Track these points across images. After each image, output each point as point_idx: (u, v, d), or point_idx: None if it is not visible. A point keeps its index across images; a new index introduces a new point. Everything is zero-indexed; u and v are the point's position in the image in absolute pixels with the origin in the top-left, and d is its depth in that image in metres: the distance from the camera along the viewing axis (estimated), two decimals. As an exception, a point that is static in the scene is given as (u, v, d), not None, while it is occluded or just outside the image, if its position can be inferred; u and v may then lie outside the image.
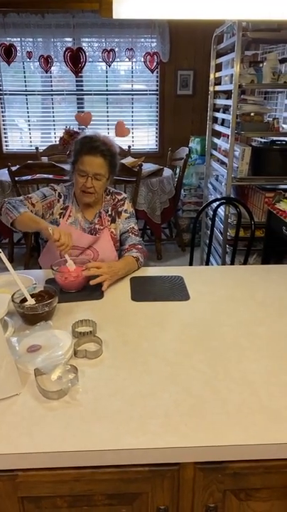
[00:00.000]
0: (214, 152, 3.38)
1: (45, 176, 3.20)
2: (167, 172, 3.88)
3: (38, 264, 1.96)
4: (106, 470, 0.86)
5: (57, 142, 4.36)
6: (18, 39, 4.55)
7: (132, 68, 4.86)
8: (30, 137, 5.09)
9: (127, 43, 4.60)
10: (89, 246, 1.77)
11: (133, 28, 4.54)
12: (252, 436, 0.86)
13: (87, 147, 1.68)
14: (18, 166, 3.32)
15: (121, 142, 4.60)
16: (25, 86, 4.86)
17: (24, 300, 1.31)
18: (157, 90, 4.91)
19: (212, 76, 3.32)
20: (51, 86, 4.89)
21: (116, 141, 1.83)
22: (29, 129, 5.08)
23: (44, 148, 4.36)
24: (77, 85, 4.87)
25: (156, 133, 5.08)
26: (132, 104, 4.98)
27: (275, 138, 2.97)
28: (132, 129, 5.01)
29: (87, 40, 4.63)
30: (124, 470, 0.87)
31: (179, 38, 4.63)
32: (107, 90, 4.91)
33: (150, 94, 4.93)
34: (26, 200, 1.70)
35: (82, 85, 4.89)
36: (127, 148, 4.48)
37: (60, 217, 1.78)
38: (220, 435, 0.87)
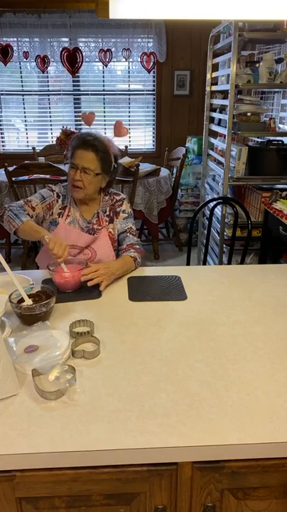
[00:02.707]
0: (211, 152, 3.39)
1: (42, 176, 3.20)
2: (164, 172, 3.88)
3: (35, 264, 1.96)
4: (104, 470, 0.87)
5: (54, 142, 4.36)
6: (15, 39, 4.54)
7: (129, 68, 4.86)
8: (27, 137, 5.09)
9: (124, 43, 4.60)
10: (87, 245, 1.77)
11: (129, 28, 4.54)
12: (249, 435, 0.87)
13: (81, 141, 1.71)
14: (14, 166, 3.31)
15: (119, 142, 4.61)
16: (22, 86, 4.86)
17: (21, 300, 1.31)
18: (154, 90, 4.91)
19: (208, 76, 3.33)
20: (48, 86, 4.89)
21: (114, 142, 1.83)
22: (26, 129, 5.07)
23: (41, 148, 4.36)
24: (73, 85, 4.87)
25: (153, 133, 5.08)
26: (129, 104, 4.99)
27: (271, 138, 2.97)
28: (129, 129, 5.01)
29: (83, 40, 4.63)
30: (122, 470, 0.87)
31: (176, 38, 4.64)
32: (104, 90, 4.91)
33: (147, 94, 4.94)
34: (26, 205, 1.71)
35: (78, 85, 4.89)
36: (124, 148, 4.48)
37: (59, 217, 1.78)
38: (218, 434, 0.87)
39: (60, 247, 1.50)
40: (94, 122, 4.90)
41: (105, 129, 4.95)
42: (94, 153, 1.70)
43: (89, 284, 1.49)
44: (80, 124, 4.88)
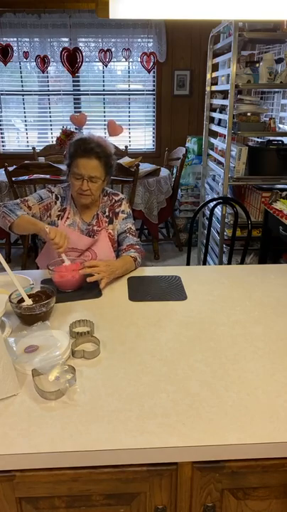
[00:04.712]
0: (211, 152, 3.39)
1: (42, 176, 3.20)
2: (164, 172, 3.88)
3: (35, 264, 1.96)
4: (104, 470, 0.87)
5: (54, 142, 4.36)
6: (15, 39, 4.54)
7: (129, 68, 4.86)
8: (27, 137, 5.09)
9: (124, 43, 4.60)
10: (88, 248, 1.77)
11: (129, 28, 4.54)
12: (249, 435, 0.87)
13: (81, 149, 1.67)
14: (14, 166, 3.31)
15: (118, 142, 4.61)
16: (22, 86, 4.86)
17: (21, 300, 1.31)
18: (154, 90, 4.91)
19: (208, 76, 3.33)
20: (48, 86, 4.89)
21: (112, 141, 1.83)
22: (26, 129, 5.07)
23: (41, 148, 4.36)
24: (73, 85, 4.87)
25: (153, 133, 5.08)
26: (129, 104, 4.99)
27: (271, 138, 2.98)
28: (129, 129, 5.01)
29: (83, 40, 4.63)
30: (122, 470, 0.87)
31: (176, 38, 4.64)
32: (104, 90, 4.91)
33: (147, 94, 4.94)
34: (22, 203, 1.71)
35: (78, 85, 4.89)
36: (124, 148, 4.48)
37: (58, 219, 1.78)
38: (217, 434, 0.87)
39: (61, 236, 1.51)
40: (93, 122, 4.93)
41: (105, 129, 4.95)
42: (98, 160, 1.67)
43: (89, 279, 1.49)
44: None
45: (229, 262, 2.57)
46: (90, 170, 1.67)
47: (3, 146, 5.05)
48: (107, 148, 1.72)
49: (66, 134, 4.12)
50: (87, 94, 4.92)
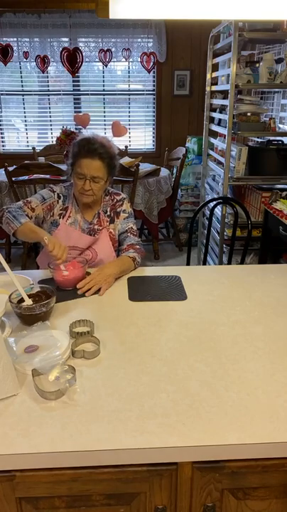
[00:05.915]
0: (211, 152, 3.39)
1: (42, 176, 3.20)
2: (164, 172, 3.88)
3: (35, 264, 1.96)
4: (104, 470, 0.87)
5: (54, 142, 4.36)
6: (15, 39, 4.55)
7: (129, 68, 4.86)
8: (27, 137, 5.09)
9: (124, 43, 4.60)
10: (89, 247, 1.77)
11: (129, 28, 4.54)
12: (249, 435, 0.87)
13: (85, 150, 1.67)
14: (14, 166, 3.31)
15: (118, 142, 4.60)
16: (22, 86, 4.86)
17: (21, 300, 1.31)
18: (154, 90, 4.92)
19: (208, 76, 3.33)
20: (48, 86, 4.90)
21: (113, 142, 1.83)
22: (26, 129, 5.07)
23: (41, 148, 4.36)
24: (73, 85, 4.88)
25: (153, 133, 5.08)
26: (129, 104, 4.99)
27: (271, 138, 2.98)
28: (129, 129, 5.01)
29: (83, 40, 4.63)
30: (122, 470, 0.87)
31: (176, 38, 4.64)
32: (104, 90, 4.91)
33: (147, 94, 4.94)
34: (26, 206, 1.70)
35: (78, 85, 4.90)
36: (124, 148, 4.48)
37: (60, 218, 1.78)
38: (218, 434, 0.87)
39: (59, 248, 1.50)
40: (93, 122, 4.92)
41: (105, 129, 4.95)
42: (101, 160, 1.67)
43: (87, 294, 1.48)
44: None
45: (229, 262, 2.57)
46: (93, 170, 1.67)
47: (3, 146, 5.06)
48: (111, 150, 1.72)
49: (66, 134, 4.12)
50: (87, 94, 4.92)
